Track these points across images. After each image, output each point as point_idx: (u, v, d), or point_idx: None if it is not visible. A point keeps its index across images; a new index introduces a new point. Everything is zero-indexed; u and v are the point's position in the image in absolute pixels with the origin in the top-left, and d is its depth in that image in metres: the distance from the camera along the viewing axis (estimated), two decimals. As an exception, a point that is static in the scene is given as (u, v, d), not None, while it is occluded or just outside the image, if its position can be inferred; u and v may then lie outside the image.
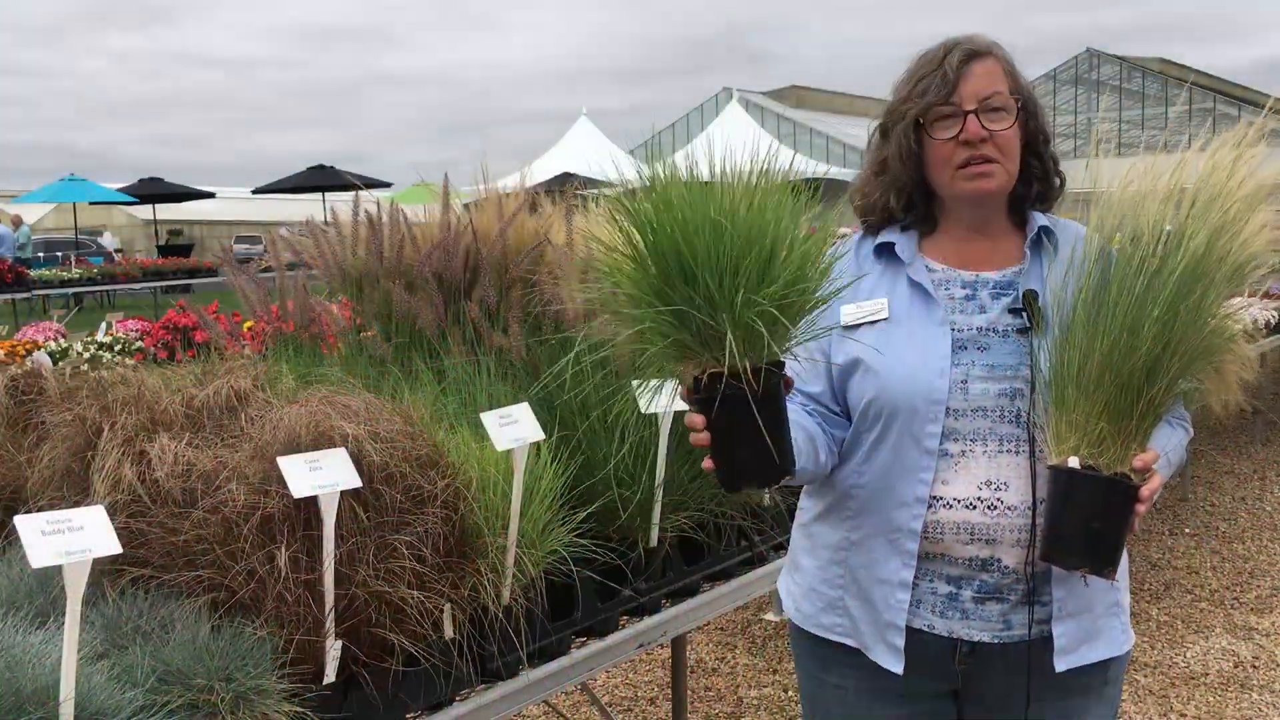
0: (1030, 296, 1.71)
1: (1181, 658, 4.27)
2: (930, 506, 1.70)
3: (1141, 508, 1.58)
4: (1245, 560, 5.36)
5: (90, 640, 1.58)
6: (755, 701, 4.00)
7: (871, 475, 1.75)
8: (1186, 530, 5.85)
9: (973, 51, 1.73)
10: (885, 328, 1.75)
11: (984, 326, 1.73)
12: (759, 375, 1.42)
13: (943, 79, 1.71)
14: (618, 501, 2.27)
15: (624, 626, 2.27)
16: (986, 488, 1.69)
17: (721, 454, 1.50)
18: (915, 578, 1.73)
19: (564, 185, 3.08)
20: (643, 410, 2.22)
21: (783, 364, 1.48)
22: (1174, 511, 6.15)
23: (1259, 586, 5.02)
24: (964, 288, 1.78)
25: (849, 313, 1.78)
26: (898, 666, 1.74)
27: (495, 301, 2.58)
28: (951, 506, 1.70)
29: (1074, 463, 1.58)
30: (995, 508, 1.68)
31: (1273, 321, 6.98)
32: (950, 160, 1.72)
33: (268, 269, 3.01)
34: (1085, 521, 1.58)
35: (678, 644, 2.88)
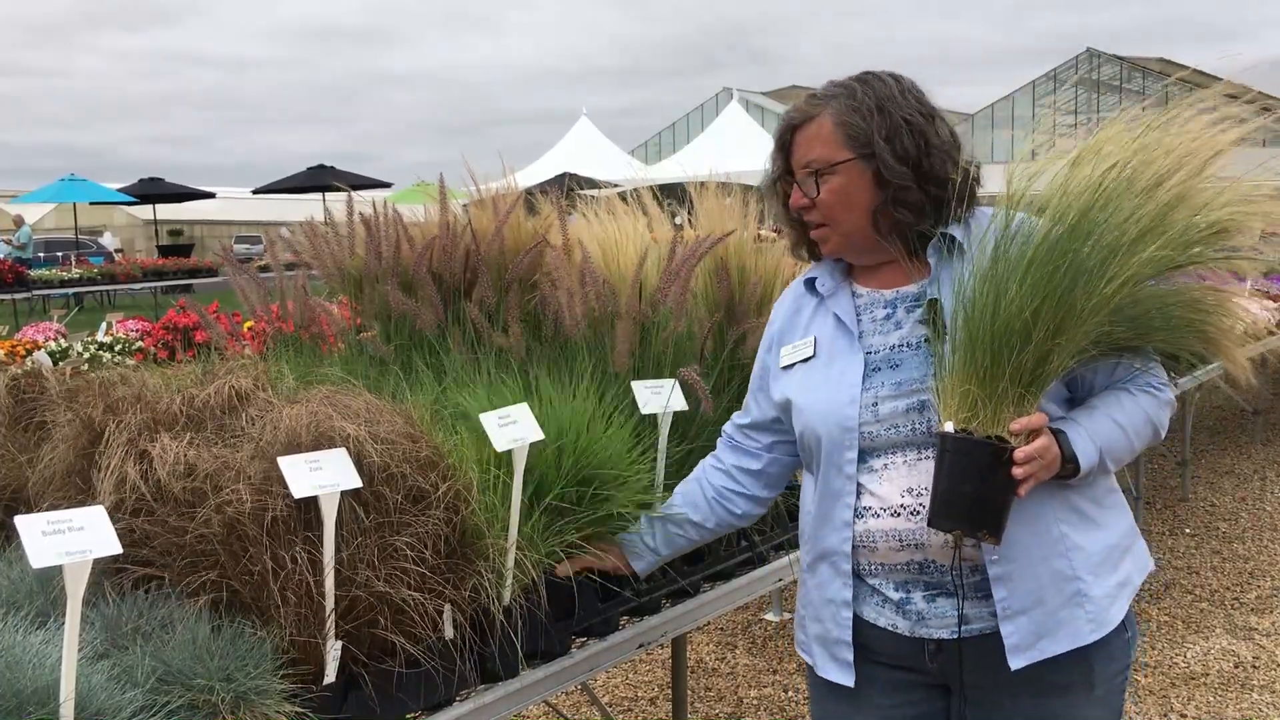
0: (934, 304, 1.75)
1: (1181, 658, 4.27)
2: (860, 517, 1.77)
3: (1019, 470, 1.59)
4: (1245, 560, 5.37)
5: (90, 640, 1.58)
6: (755, 701, 4.00)
7: (814, 503, 1.85)
8: (1186, 530, 5.85)
9: (793, 123, 1.84)
10: (811, 364, 1.86)
11: (897, 344, 1.79)
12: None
13: (775, 155, 1.86)
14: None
15: (624, 627, 2.27)
16: (909, 495, 1.74)
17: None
18: (872, 586, 1.80)
19: (563, 185, 3.07)
20: (642, 411, 2.22)
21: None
22: (1174, 511, 6.15)
23: (1259, 586, 5.02)
24: (885, 307, 1.84)
25: (785, 354, 1.91)
26: (848, 680, 1.82)
27: (494, 302, 2.58)
28: (879, 515, 1.76)
29: (949, 427, 1.62)
30: (918, 513, 1.73)
31: (1273, 321, 6.98)
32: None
33: (265, 268, 3.00)
34: (959, 484, 1.61)
35: (678, 644, 2.88)
